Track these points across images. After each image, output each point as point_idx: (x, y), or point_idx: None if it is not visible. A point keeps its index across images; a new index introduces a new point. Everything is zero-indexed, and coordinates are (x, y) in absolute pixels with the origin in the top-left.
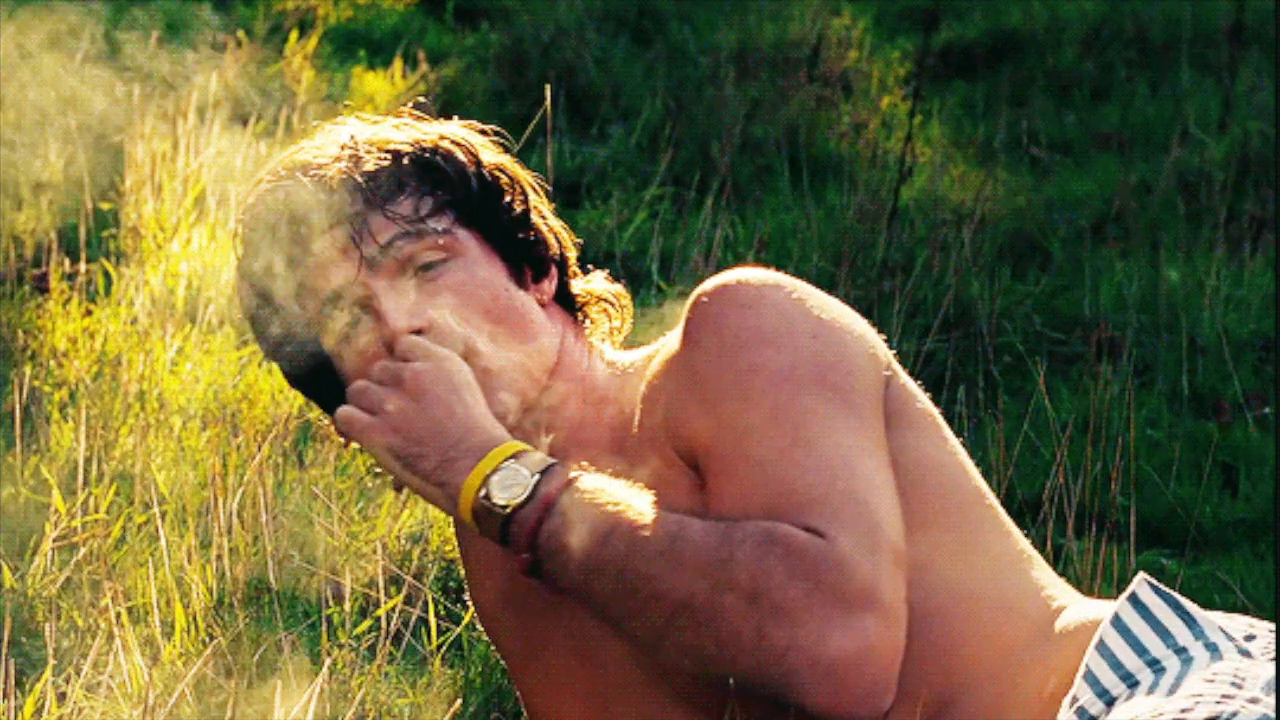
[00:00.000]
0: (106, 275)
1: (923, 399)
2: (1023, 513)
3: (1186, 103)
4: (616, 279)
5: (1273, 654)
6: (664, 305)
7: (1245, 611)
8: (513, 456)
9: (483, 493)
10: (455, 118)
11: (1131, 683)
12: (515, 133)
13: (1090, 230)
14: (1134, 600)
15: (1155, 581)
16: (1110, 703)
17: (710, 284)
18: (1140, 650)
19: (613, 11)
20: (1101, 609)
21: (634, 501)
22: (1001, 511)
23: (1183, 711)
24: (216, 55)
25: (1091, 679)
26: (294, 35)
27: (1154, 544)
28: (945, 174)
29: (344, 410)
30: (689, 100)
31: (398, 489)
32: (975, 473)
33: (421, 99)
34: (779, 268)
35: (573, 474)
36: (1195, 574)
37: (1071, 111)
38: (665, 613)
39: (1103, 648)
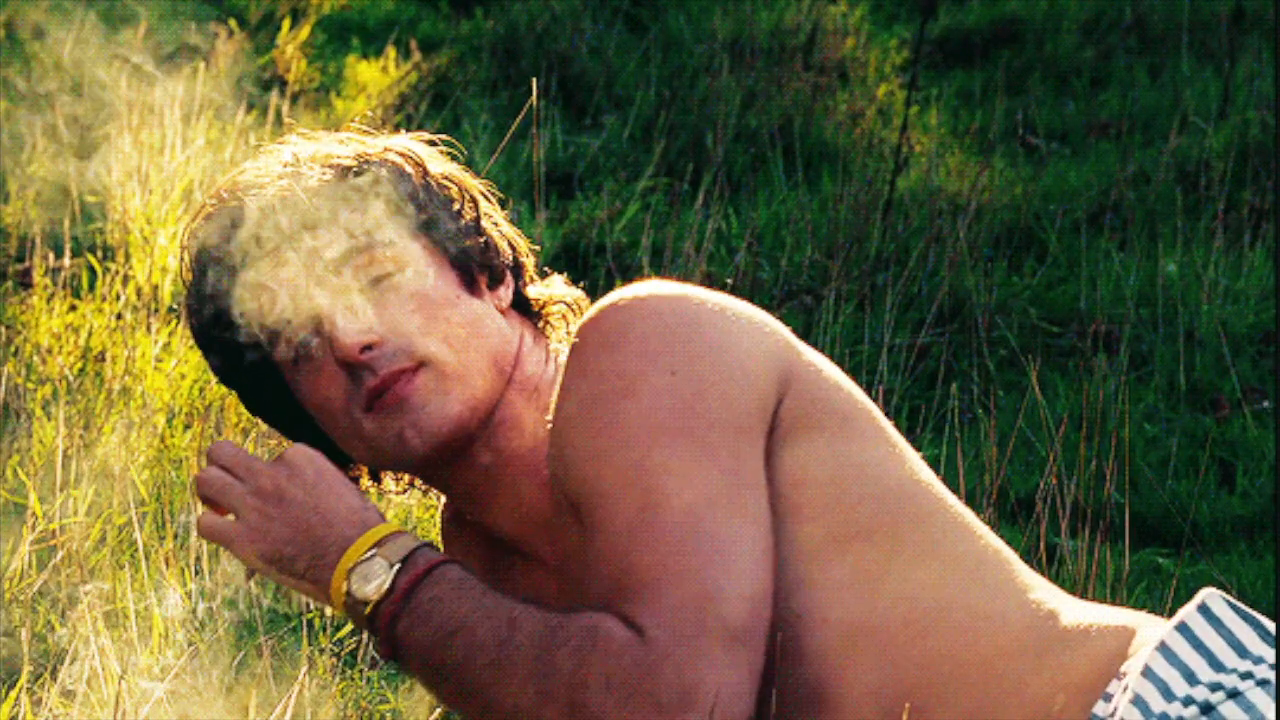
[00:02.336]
0: (91, 270)
1: (852, 400)
2: (1016, 511)
3: (1186, 91)
4: (608, 271)
5: None
6: None
7: None
8: (377, 544)
9: (345, 589)
10: (450, 106)
11: (1231, 692)
12: (508, 122)
13: (1087, 221)
14: (1204, 610)
15: (1227, 596)
16: (1206, 709)
17: (590, 312)
18: (1216, 665)
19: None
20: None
21: (478, 599)
22: (965, 511)
23: None
24: (207, 44)
25: (1161, 685)
26: (286, 24)
27: (1150, 542)
28: (942, 164)
29: (206, 520)
30: (683, 90)
31: (379, 481)
32: (927, 473)
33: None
34: (773, 260)
35: (431, 562)
36: (1192, 572)
37: (1070, 100)
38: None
39: (1167, 652)
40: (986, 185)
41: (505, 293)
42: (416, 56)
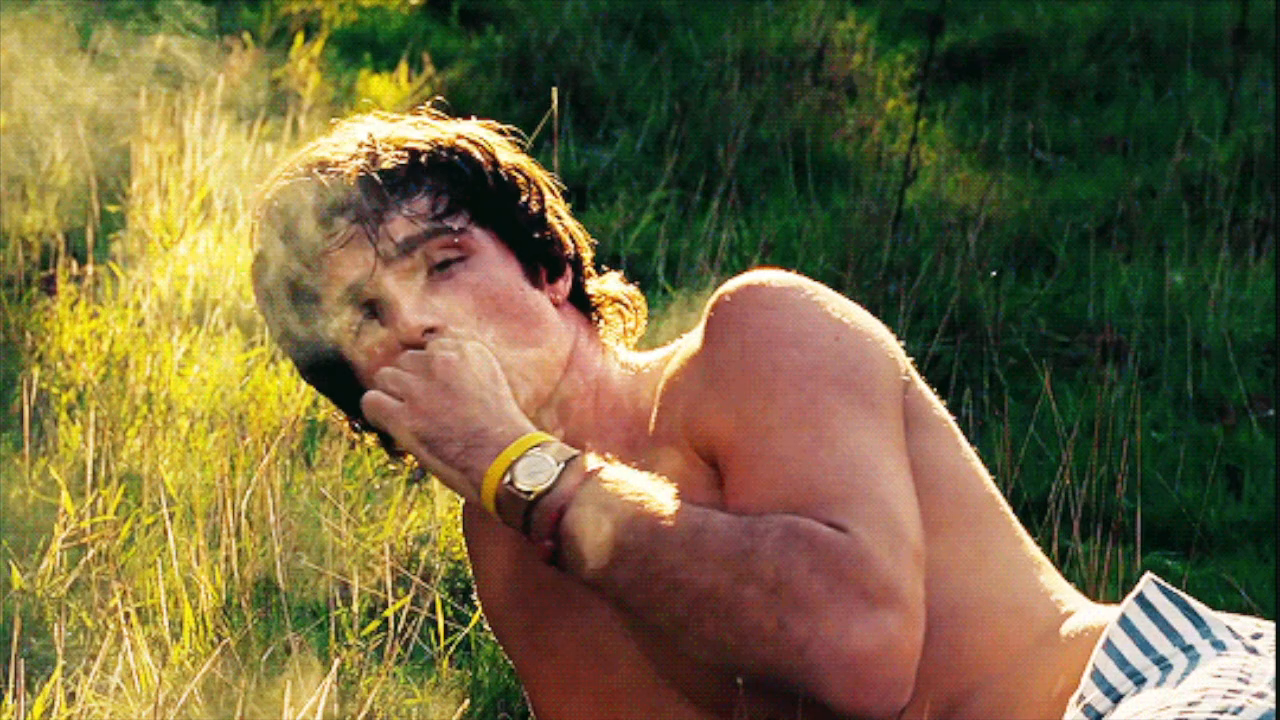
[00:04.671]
0: (113, 277)
1: (938, 405)
2: (1028, 515)
3: (1190, 106)
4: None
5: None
6: (670, 308)
7: (1250, 612)
8: (538, 445)
9: (507, 479)
10: (472, 118)
11: (1138, 680)
12: (521, 136)
13: (1095, 233)
14: (1141, 600)
15: (1163, 582)
16: (1117, 700)
17: (733, 284)
18: (1147, 649)
19: (618, 15)
20: (1109, 614)
21: (657, 493)
22: (1013, 517)
23: (1189, 705)
24: (222, 58)
25: (1098, 678)
26: (299, 38)
27: (1159, 546)
28: (950, 177)
29: (372, 395)
30: (694, 103)
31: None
32: (988, 479)
33: (427, 103)
34: (785, 270)
35: (597, 464)
36: (1200, 575)
37: (1076, 115)
38: (686, 603)
39: (1110, 647)
40: (994, 198)
41: (564, 285)
42: (429, 71)
